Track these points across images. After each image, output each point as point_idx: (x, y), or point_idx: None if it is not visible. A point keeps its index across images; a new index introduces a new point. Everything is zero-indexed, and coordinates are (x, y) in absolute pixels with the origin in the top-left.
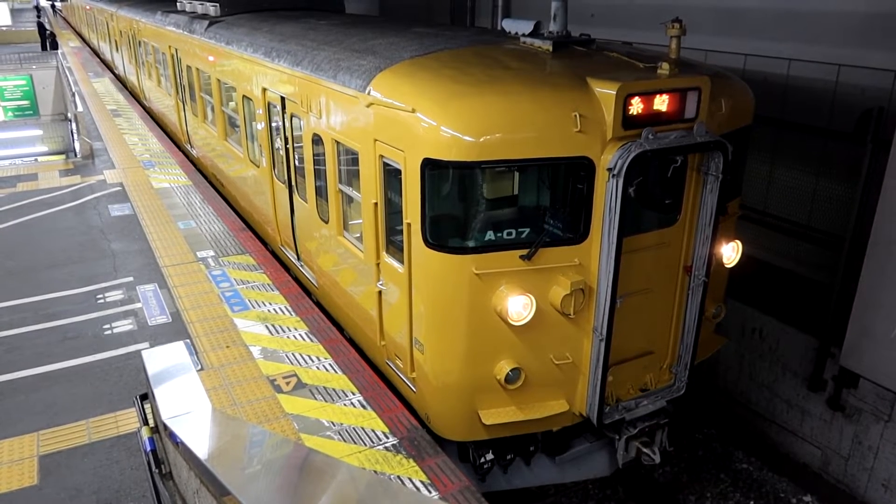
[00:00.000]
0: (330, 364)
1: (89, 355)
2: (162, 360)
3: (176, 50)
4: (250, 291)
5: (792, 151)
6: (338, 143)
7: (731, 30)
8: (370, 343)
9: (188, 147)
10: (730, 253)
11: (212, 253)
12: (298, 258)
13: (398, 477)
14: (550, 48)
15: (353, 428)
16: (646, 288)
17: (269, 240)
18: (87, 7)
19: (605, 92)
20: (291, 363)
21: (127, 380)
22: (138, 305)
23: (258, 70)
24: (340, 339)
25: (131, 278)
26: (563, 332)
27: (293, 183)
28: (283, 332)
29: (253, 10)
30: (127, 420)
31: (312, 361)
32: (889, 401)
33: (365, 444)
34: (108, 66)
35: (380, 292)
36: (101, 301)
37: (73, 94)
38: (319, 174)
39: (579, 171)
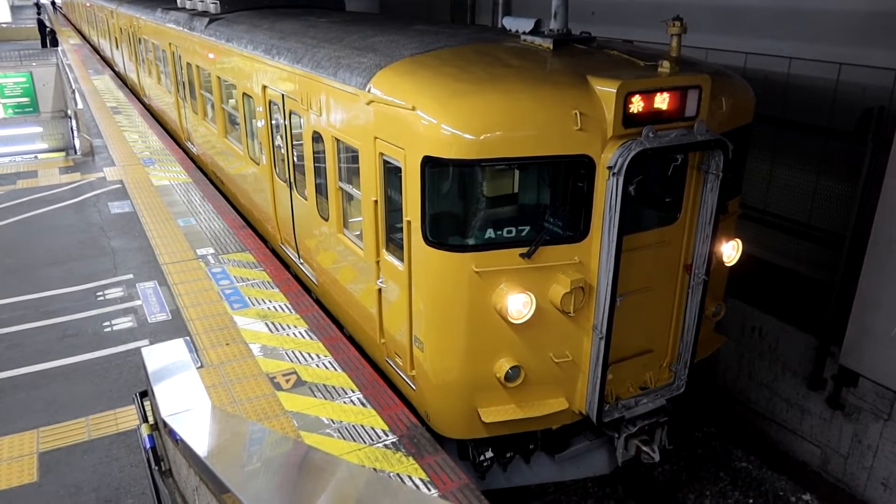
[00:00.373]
0: (330, 362)
1: (89, 352)
2: (161, 357)
3: (176, 47)
4: (250, 289)
5: (792, 150)
6: (338, 140)
7: (731, 28)
8: (370, 341)
9: (188, 144)
10: (730, 251)
11: (212, 250)
12: (298, 256)
13: (398, 475)
14: (551, 46)
15: (353, 425)
16: (646, 286)
17: (269, 237)
18: (88, 4)
19: (606, 90)
20: (291, 361)
21: (126, 377)
22: (138, 303)
23: (258, 67)
24: (340, 336)
25: (131, 276)
26: (563, 330)
27: (293, 180)
28: (283, 329)
29: (253, 8)
30: (126, 417)
31: (312, 359)
32: (888, 400)
33: (364, 442)
34: (109, 64)
35: (380, 290)
36: (101, 298)
37: (73, 92)
38: (319, 172)
39: (579, 169)
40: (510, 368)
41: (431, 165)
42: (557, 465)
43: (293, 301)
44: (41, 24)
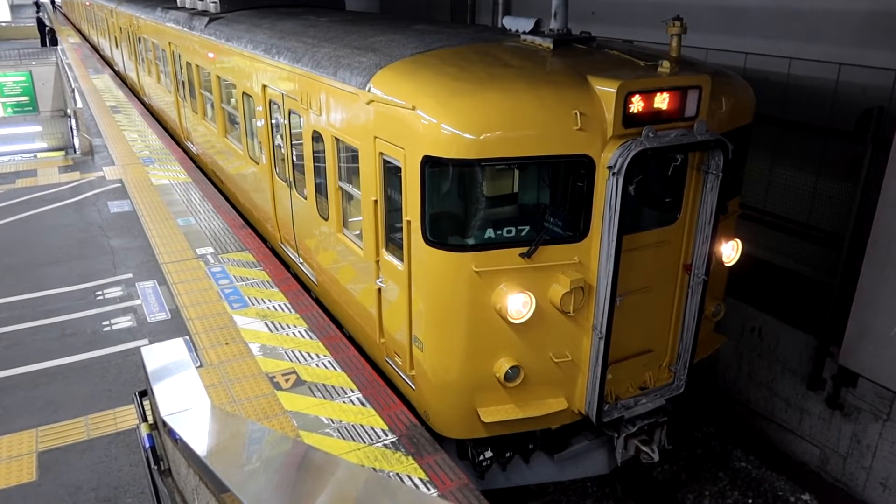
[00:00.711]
0: (329, 361)
1: (88, 352)
2: (161, 356)
3: (176, 46)
4: (250, 288)
5: (792, 150)
6: (338, 140)
7: (731, 28)
8: (369, 340)
9: (188, 144)
10: (729, 251)
11: (211, 250)
12: (298, 255)
13: (397, 474)
14: (551, 46)
15: (353, 425)
16: (645, 286)
17: (269, 237)
18: (87, 3)
19: (606, 90)
20: (291, 360)
21: (126, 376)
22: (137, 302)
23: (258, 67)
24: (340, 336)
25: (130, 275)
26: (563, 330)
27: (293, 180)
28: (283, 329)
29: (253, 7)
30: (126, 417)
31: (312, 359)
32: (888, 400)
33: (364, 442)
34: (108, 63)
35: (379, 290)
36: (101, 298)
37: (73, 91)
38: (319, 171)
39: (579, 169)
40: (510, 368)
41: (431, 165)
42: (557, 465)
43: (293, 300)
44: (41, 22)
